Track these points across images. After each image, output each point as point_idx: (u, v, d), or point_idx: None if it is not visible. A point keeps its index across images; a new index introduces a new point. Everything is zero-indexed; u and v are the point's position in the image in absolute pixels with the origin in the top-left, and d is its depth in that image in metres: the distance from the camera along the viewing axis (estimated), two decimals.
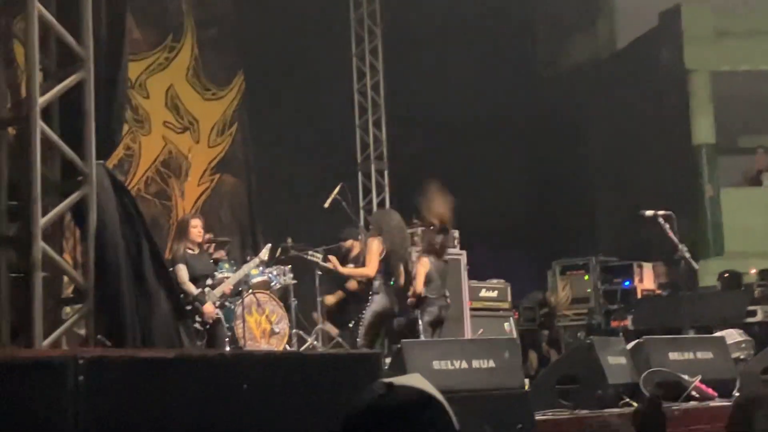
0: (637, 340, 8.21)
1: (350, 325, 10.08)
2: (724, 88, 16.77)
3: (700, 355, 8.02)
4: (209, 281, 9.49)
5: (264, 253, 10.09)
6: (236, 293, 9.89)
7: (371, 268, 9.44)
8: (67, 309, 5.83)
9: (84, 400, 3.59)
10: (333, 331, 10.67)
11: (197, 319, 9.17)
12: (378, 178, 14.94)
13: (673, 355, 7.81)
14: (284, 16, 13.61)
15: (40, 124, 5.27)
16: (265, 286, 10.66)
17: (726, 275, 13.65)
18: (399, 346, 6.50)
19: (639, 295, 13.97)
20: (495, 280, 12.43)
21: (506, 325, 12.26)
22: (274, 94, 13.63)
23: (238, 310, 9.98)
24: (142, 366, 3.96)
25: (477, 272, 12.05)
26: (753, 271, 14.15)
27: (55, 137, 5.40)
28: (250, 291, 10.30)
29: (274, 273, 10.71)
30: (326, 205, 11.10)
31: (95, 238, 5.38)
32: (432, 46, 15.08)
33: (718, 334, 9.54)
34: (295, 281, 10.88)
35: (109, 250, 5.38)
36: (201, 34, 13.70)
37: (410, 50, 14.72)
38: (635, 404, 6.96)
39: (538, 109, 16.43)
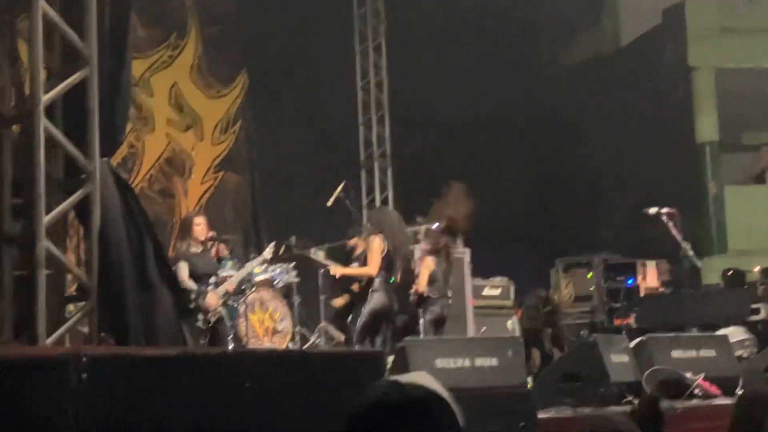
0: (640, 338, 8.21)
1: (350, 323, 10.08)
2: (728, 85, 16.74)
3: (703, 353, 8.02)
4: (212, 279, 9.49)
5: (267, 252, 10.10)
6: (239, 291, 9.90)
7: (373, 267, 9.44)
8: (71, 307, 5.84)
9: (87, 398, 3.60)
10: (336, 335, 10.66)
11: (200, 317, 9.17)
12: (381, 176, 14.94)
13: (676, 353, 7.81)
14: (287, 14, 13.61)
15: (43, 122, 5.27)
16: (269, 284, 10.66)
17: (729, 273, 13.64)
18: (402, 344, 6.51)
19: (642, 293, 13.96)
20: (498, 278, 12.43)
21: (509, 323, 12.26)
22: (277, 92, 13.64)
23: (241, 308, 9.99)
24: (144, 364, 3.97)
25: (480, 270, 12.05)
26: (756, 269, 14.13)
27: (58, 135, 5.40)
28: (254, 289, 10.30)
29: (278, 271, 10.72)
30: (329, 203, 11.11)
31: (99, 236, 5.39)
32: (435, 45, 15.08)
33: (721, 332, 9.53)
34: (298, 279, 10.90)
35: (112, 248, 5.39)
36: (204, 32, 13.71)
37: (413, 49, 14.72)
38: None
39: (541, 107, 16.42)
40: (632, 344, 7.95)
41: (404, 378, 2.07)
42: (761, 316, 11.41)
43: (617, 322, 13.66)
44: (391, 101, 14.92)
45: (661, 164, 16.20)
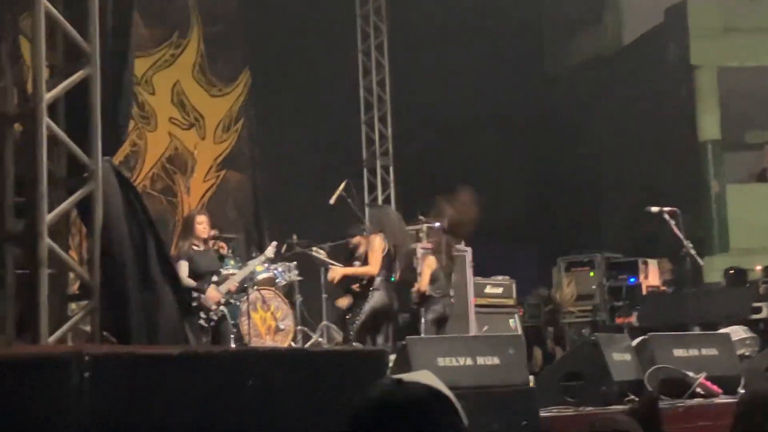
0: (642, 337, 8.20)
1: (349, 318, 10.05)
2: (731, 84, 16.74)
3: (704, 351, 8.01)
4: (215, 278, 9.49)
5: (270, 251, 10.11)
6: (241, 290, 9.90)
7: (374, 266, 9.43)
8: (73, 305, 5.85)
9: (89, 396, 3.60)
10: (338, 335, 10.66)
11: (202, 315, 9.18)
12: (383, 175, 14.95)
13: (678, 352, 7.80)
14: (290, 12, 13.61)
15: (46, 121, 5.27)
16: (271, 282, 10.67)
17: (731, 272, 13.64)
18: (404, 342, 6.51)
19: (644, 292, 13.96)
20: (500, 277, 12.44)
21: (511, 321, 12.27)
22: (279, 91, 13.64)
23: (244, 306, 10.00)
24: (147, 362, 3.97)
25: (482, 269, 12.06)
26: (758, 267, 14.13)
27: (61, 133, 5.40)
28: (256, 288, 10.31)
29: (280, 270, 10.73)
30: (332, 201, 11.11)
31: (101, 235, 5.39)
32: (436, 44, 15.09)
33: (723, 330, 9.53)
34: (300, 278, 10.90)
35: (115, 246, 5.39)
36: (207, 31, 13.71)
37: (415, 48, 14.72)
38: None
39: (543, 106, 16.42)
40: (634, 343, 7.95)
41: (407, 377, 2.08)
42: (763, 314, 11.41)
43: (619, 320, 13.66)
44: (393, 100, 14.92)
45: (663, 163, 16.19)
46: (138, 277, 5.46)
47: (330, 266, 10.29)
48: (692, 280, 10.82)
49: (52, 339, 5.17)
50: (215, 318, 9.36)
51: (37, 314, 5.10)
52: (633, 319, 12.92)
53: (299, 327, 10.86)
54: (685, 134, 16.61)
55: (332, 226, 11.18)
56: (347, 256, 10.31)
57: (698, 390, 7.43)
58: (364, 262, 9.75)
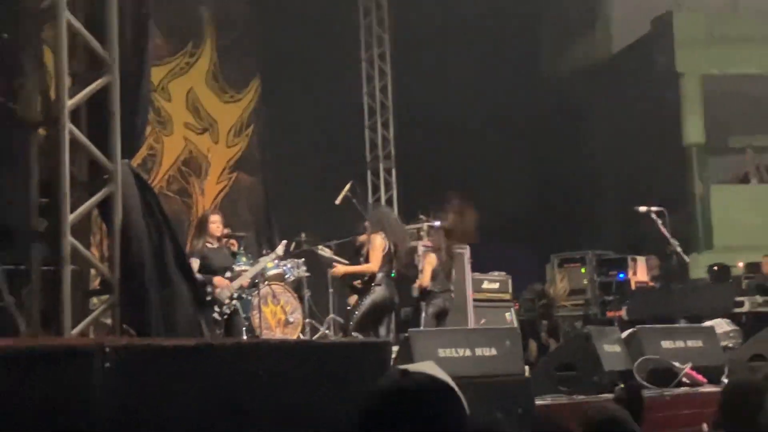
0: (631, 330, 8.20)
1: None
2: (714, 90, 16.75)
3: (690, 343, 8.01)
4: (228, 274, 9.49)
5: (279, 249, 10.10)
6: (253, 285, 9.90)
7: (375, 264, 9.40)
8: (95, 300, 5.85)
9: (110, 386, 3.60)
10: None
11: (216, 309, 9.18)
12: (386, 176, 14.96)
13: (665, 344, 7.80)
14: (298, 24, 13.62)
15: (68, 126, 5.27)
16: (280, 278, 10.67)
17: (715, 268, 13.65)
18: (406, 334, 6.52)
19: (633, 287, 13.96)
20: (497, 273, 12.43)
21: (507, 315, 12.26)
22: (288, 98, 13.64)
23: (255, 301, 10.00)
24: (164, 353, 3.97)
25: (480, 265, 12.05)
26: (740, 264, 14.16)
27: (82, 138, 5.40)
28: (266, 283, 10.31)
29: (289, 266, 10.72)
30: (337, 201, 11.10)
31: (121, 233, 5.39)
32: (437, 51, 15.08)
33: (707, 323, 9.53)
34: (308, 274, 10.90)
35: (133, 244, 5.39)
36: (220, 41, 13.72)
37: (416, 56, 14.72)
38: None
39: (539, 111, 16.41)
40: (624, 335, 7.95)
41: (413, 367, 2.09)
42: (745, 308, 11.41)
43: (610, 314, 13.67)
44: (395, 105, 14.94)
45: (650, 165, 16.21)
46: (156, 273, 5.45)
47: (334, 263, 10.30)
48: (679, 276, 10.83)
49: (75, 332, 5.17)
50: (228, 312, 9.36)
51: (60, 308, 5.11)
52: (623, 312, 12.91)
53: (307, 320, 10.86)
54: (671, 138, 16.63)
55: (338, 225, 11.18)
56: (353, 253, 10.30)
57: (684, 379, 7.44)
58: (367, 260, 9.74)
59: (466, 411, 2.06)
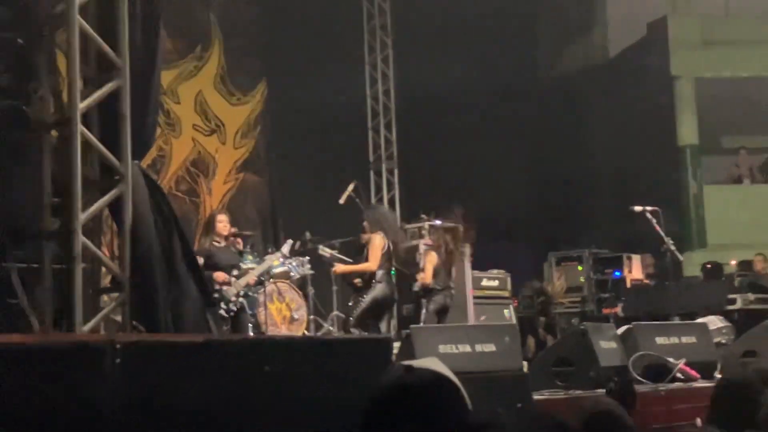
0: (626, 326, 8.20)
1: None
2: (708, 93, 16.75)
3: (684, 339, 8.01)
4: (235, 272, 9.50)
5: (285, 248, 10.11)
6: (259, 283, 9.90)
7: (373, 263, 9.40)
8: (105, 297, 5.85)
9: (121, 381, 3.61)
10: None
11: (223, 306, 9.19)
12: (388, 177, 14.96)
13: (660, 340, 7.79)
14: (303, 28, 13.62)
15: (80, 128, 5.28)
16: (286, 276, 10.66)
17: (708, 266, 13.64)
18: (408, 331, 6.52)
19: (628, 285, 13.95)
20: (496, 271, 12.42)
21: (506, 312, 12.26)
22: (293, 100, 13.64)
23: (261, 298, 10.00)
24: (173, 349, 3.98)
25: (479, 263, 12.05)
26: (733, 262, 14.15)
27: (94, 139, 5.41)
28: (272, 281, 10.31)
29: (294, 264, 10.72)
30: (341, 201, 11.11)
31: (131, 233, 5.39)
32: (437, 54, 15.06)
33: (701, 320, 9.52)
34: (312, 272, 10.89)
35: (143, 243, 5.39)
36: (227, 45, 13.71)
37: (418, 58, 14.71)
38: None
39: (537, 112, 16.41)
40: (619, 332, 7.94)
41: (417, 363, 2.11)
42: (738, 305, 11.40)
43: (605, 311, 13.66)
44: (398, 107, 14.94)
45: (646, 165, 16.20)
46: (164, 271, 5.46)
47: (335, 263, 10.31)
48: (673, 274, 10.81)
49: (86, 328, 5.17)
50: (235, 309, 9.37)
51: (72, 305, 5.11)
52: (618, 309, 12.90)
53: (312, 317, 10.85)
54: (666, 139, 16.62)
55: (342, 224, 11.19)
56: (358, 251, 10.29)
57: (678, 375, 7.44)
58: (367, 258, 9.74)
59: (468, 406, 2.07)
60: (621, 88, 16.91)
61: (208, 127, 13.51)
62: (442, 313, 10.12)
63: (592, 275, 14.28)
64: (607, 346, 7.45)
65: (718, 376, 7.39)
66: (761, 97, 16.95)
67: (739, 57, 16.74)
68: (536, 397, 6.48)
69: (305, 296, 10.75)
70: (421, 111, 14.67)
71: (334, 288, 11.00)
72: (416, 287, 10.26)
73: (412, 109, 14.77)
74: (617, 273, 14.25)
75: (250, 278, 9.57)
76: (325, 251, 10.54)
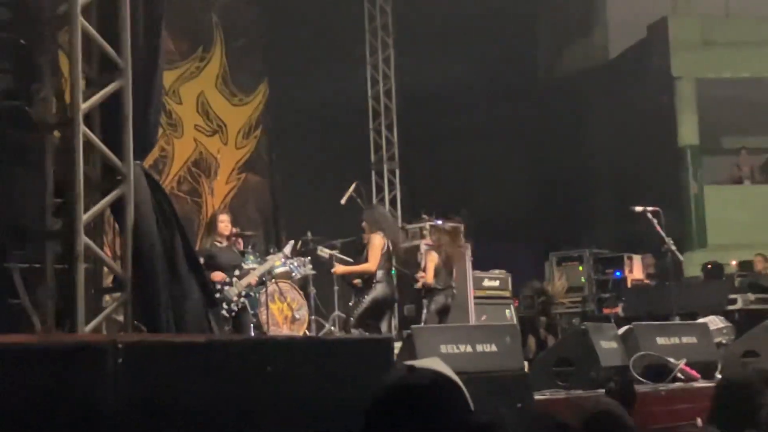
0: (627, 326, 8.18)
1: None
2: (708, 93, 16.74)
3: (685, 339, 8.00)
4: (237, 272, 9.49)
5: (287, 248, 10.11)
6: (261, 283, 9.90)
7: (373, 264, 9.39)
8: (107, 297, 5.85)
9: (122, 381, 3.61)
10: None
11: (225, 306, 9.19)
12: (390, 177, 14.96)
13: (660, 340, 7.79)
14: (304, 29, 13.62)
15: (82, 128, 5.28)
16: (287, 276, 10.66)
17: (709, 266, 13.62)
18: (409, 331, 6.51)
19: (629, 285, 13.94)
20: (497, 271, 12.43)
21: (507, 312, 12.26)
22: (295, 100, 13.64)
23: (262, 298, 10.00)
24: (175, 349, 3.98)
25: (481, 263, 12.06)
26: (734, 262, 14.14)
27: (96, 140, 5.41)
28: (274, 281, 10.30)
29: (295, 264, 10.72)
30: (343, 201, 11.11)
31: (133, 233, 5.39)
32: (438, 55, 15.07)
33: (701, 320, 9.51)
34: (314, 272, 10.89)
35: (145, 243, 5.39)
36: (229, 46, 13.72)
37: (419, 59, 14.71)
38: None
39: (539, 113, 16.41)
40: (620, 332, 7.93)
41: (420, 363, 2.11)
42: (738, 305, 11.39)
43: (606, 311, 13.65)
44: (399, 108, 14.94)
45: (646, 166, 16.20)
46: (166, 271, 5.45)
47: (334, 263, 10.31)
48: (673, 274, 10.80)
49: (88, 328, 5.17)
50: (236, 309, 9.37)
51: (74, 305, 5.11)
52: (619, 309, 12.90)
53: (313, 317, 10.85)
54: (667, 140, 16.61)
55: (343, 225, 11.18)
56: (358, 251, 10.29)
57: (679, 375, 7.43)
58: (366, 259, 9.73)
59: (470, 406, 2.07)
60: (621, 89, 16.90)
61: (209, 127, 13.51)
62: (443, 313, 10.12)
63: (592, 275, 14.27)
64: (607, 346, 7.44)
65: (718, 376, 7.39)
66: (762, 98, 16.96)
67: (740, 57, 16.73)
68: (537, 397, 6.47)
69: (307, 296, 10.75)
70: (421, 111, 14.67)
71: (336, 288, 10.99)
72: (416, 287, 10.25)
73: (413, 110, 14.77)
74: (618, 273, 14.25)
75: (252, 278, 9.57)
76: (323, 252, 10.53)
